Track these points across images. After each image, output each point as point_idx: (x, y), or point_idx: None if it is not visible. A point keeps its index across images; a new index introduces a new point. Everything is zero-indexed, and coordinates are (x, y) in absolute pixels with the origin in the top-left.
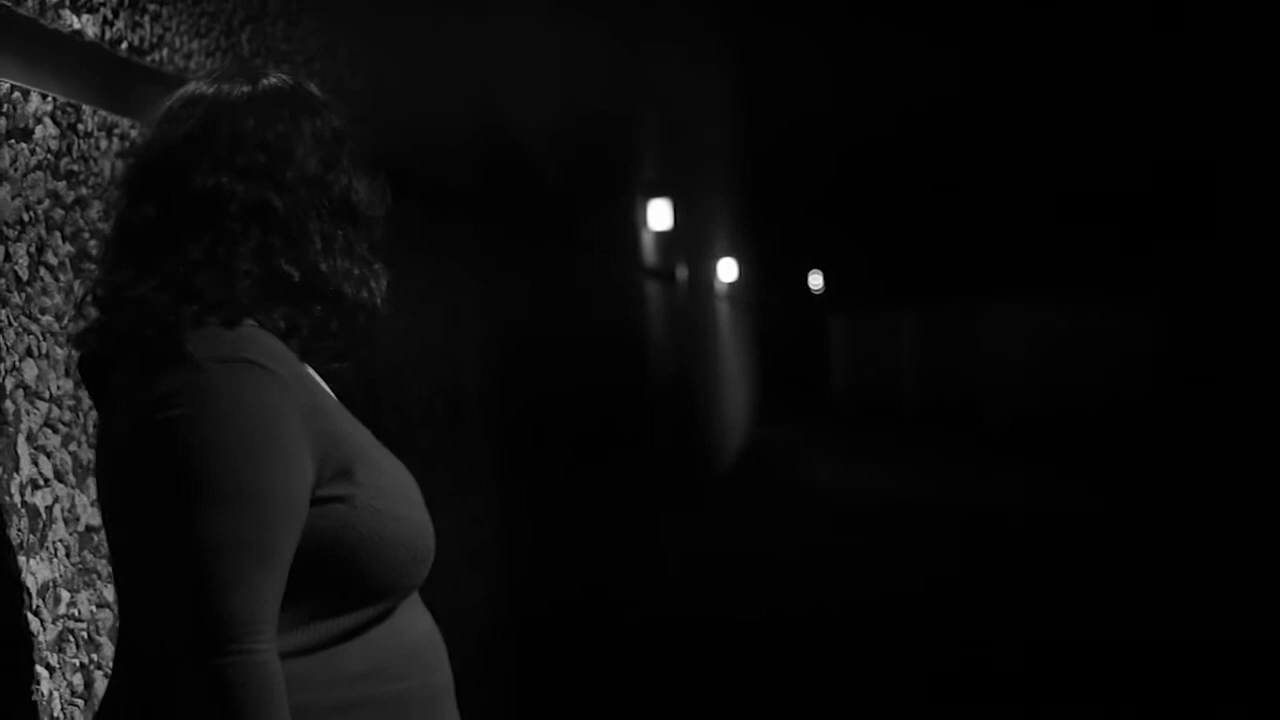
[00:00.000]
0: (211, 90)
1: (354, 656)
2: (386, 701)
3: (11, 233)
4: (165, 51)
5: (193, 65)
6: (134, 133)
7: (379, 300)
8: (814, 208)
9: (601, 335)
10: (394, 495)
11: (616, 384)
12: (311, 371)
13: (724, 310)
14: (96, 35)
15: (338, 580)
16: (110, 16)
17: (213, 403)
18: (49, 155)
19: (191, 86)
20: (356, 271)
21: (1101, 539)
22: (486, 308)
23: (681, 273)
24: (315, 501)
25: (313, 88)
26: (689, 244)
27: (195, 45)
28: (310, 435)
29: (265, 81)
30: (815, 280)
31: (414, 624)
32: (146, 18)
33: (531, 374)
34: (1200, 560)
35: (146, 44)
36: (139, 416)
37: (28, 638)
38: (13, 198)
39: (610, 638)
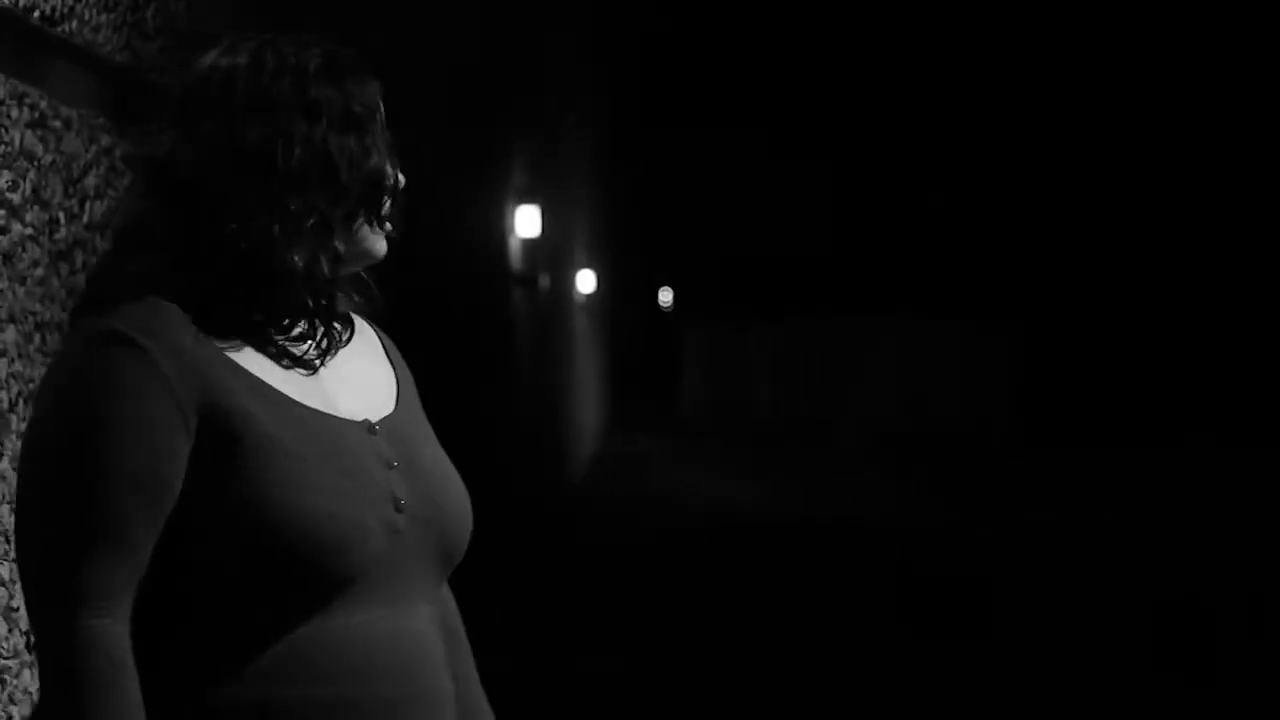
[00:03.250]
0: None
1: (262, 654)
2: (291, 705)
3: None
4: (75, 23)
5: (100, 39)
6: (44, 104)
7: (324, 270)
8: (673, 221)
9: (465, 337)
10: (295, 483)
11: (478, 387)
12: (233, 346)
13: (581, 320)
14: (10, 2)
15: (235, 572)
16: None
17: (69, 379)
18: None
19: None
20: (294, 239)
21: (952, 551)
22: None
23: (544, 280)
24: (197, 487)
25: (277, 50)
26: (552, 252)
27: (104, 19)
28: (181, 415)
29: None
30: (665, 296)
31: (363, 624)
32: None
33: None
34: (1054, 577)
35: (57, 14)
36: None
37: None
38: None
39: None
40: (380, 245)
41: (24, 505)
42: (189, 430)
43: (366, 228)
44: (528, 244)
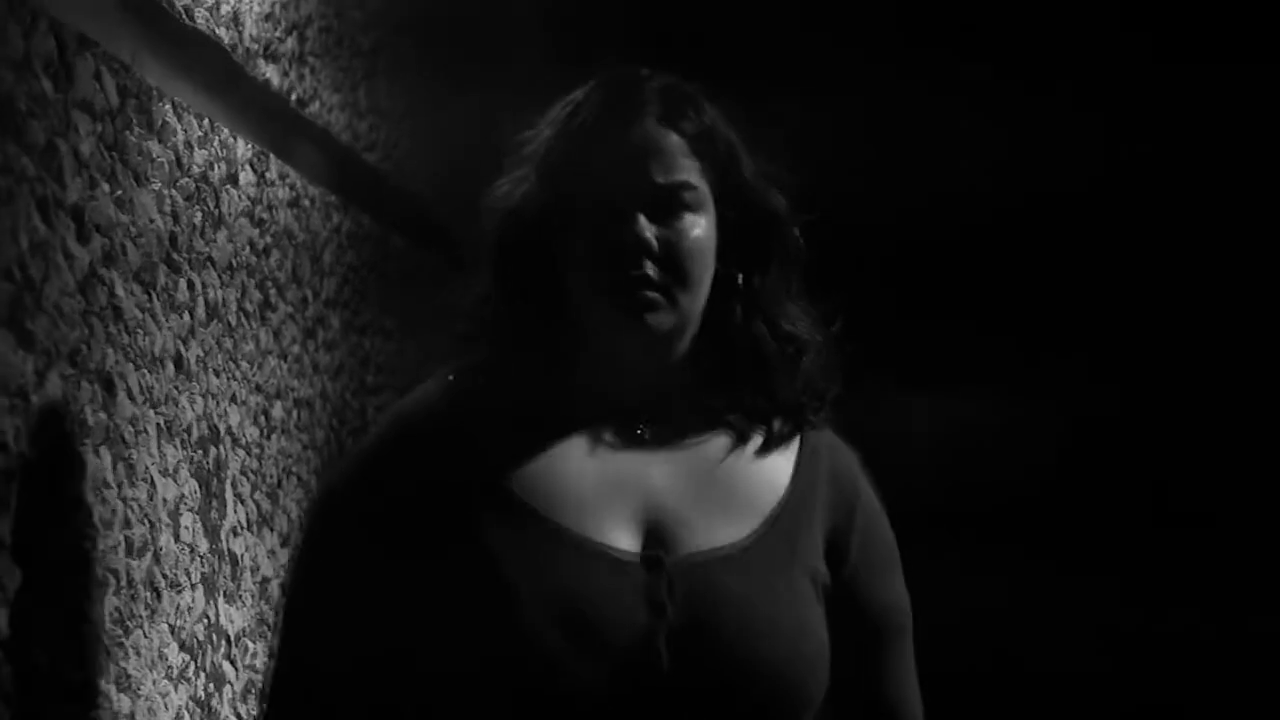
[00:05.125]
0: None
1: None
2: None
3: (225, 277)
4: (318, 105)
5: (331, 119)
6: (298, 184)
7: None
8: None
9: None
10: (502, 613)
11: None
12: (522, 441)
13: None
14: (278, 86)
15: (452, 693)
16: (287, 68)
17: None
18: (249, 202)
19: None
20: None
21: (1001, 630)
22: None
23: None
24: (422, 594)
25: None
26: None
27: (335, 99)
28: (404, 524)
29: None
30: None
31: None
32: (307, 70)
33: None
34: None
35: (307, 96)
36: None
37: (226, 684)
38: (228, 242)
39: None
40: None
41: None
42: (410, 538)
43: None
44: None
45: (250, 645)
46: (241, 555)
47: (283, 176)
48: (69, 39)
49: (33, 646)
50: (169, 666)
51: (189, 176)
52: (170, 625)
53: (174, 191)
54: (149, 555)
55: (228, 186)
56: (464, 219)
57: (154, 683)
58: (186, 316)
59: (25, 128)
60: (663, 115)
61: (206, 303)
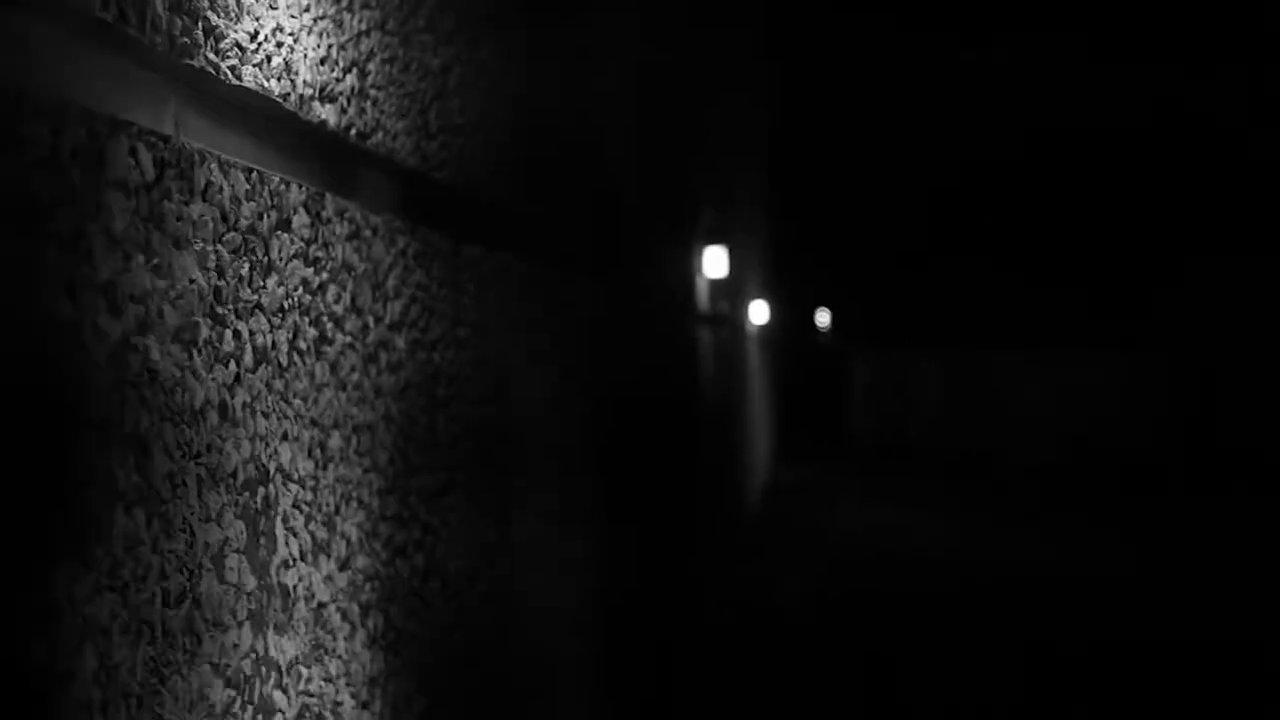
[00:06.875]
0: None
1: None
2: None
3: (275, 320)
4: (381, 135)
5: (397, 145)
6: (358, 216)
7: None
8: (834, 255)
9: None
10: None
11: (667, 421)
12: None
13: (754, 351)
14: (336, 125)
15: None
16: (345, 105)
17: None
18: (303, 244)
19: None
20: None
21: (1112, 588)
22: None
23: (723, 308)
24: None
25: None
26: (732, 286)
27: (400, 126)
28: None
29: None
30: (822, 317)
31: None
32: (369, 103)
33: (592, 416)
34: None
35: (368, 128)
36: None
37: (276, 713)
38: (278, 286)
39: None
40: None
41: None
42: None
43: None
44: (715, 283)
45: (304, 671)
46: (294, 587)
47: (341, 213)
48: (101, 125)
49: (65, 705)
50: (210, 705)
51: (235, 230)
52: (213, 664)
53: (219, 247)
54: (187, 603)
55: (279, 233)
56: (543, 214)
57: None
58: (232, 365)
59: (50, 217)
60: None
61: (254, 348)
